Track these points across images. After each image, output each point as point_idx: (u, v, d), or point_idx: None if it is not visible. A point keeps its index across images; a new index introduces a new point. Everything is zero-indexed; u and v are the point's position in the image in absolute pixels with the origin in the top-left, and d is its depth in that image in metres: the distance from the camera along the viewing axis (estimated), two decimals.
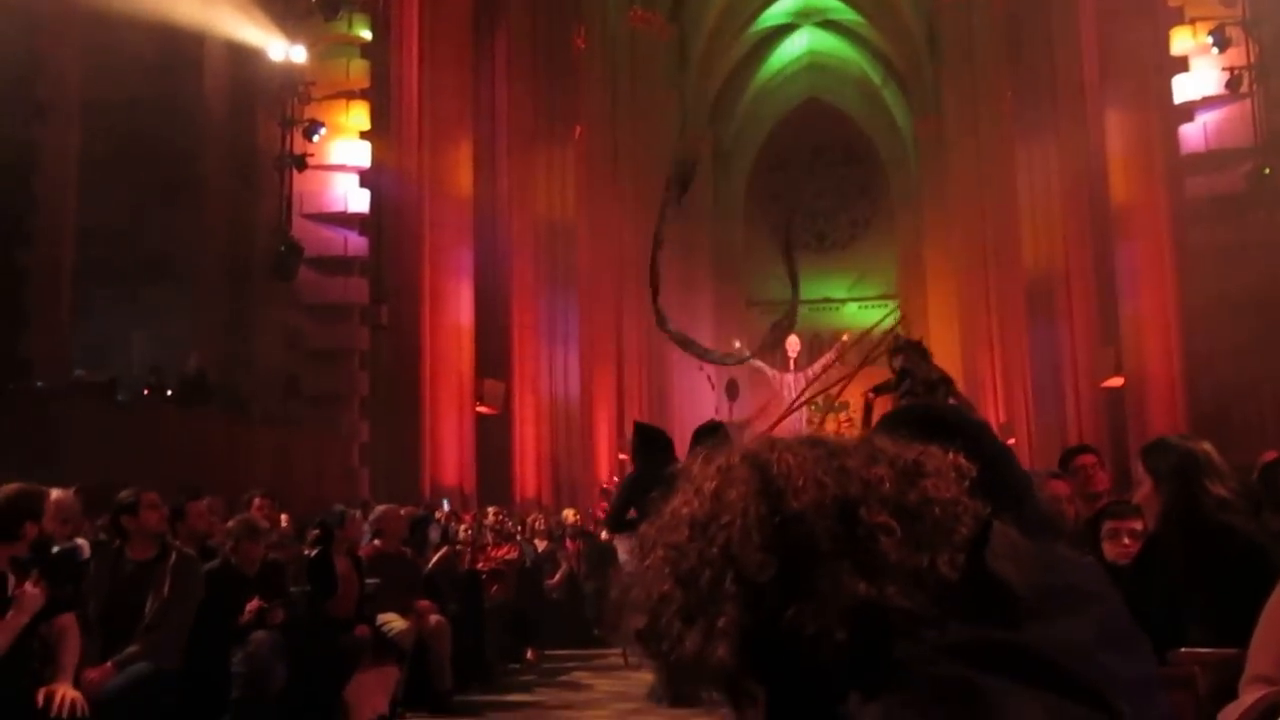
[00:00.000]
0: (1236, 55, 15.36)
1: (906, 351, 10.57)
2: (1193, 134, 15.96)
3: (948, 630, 0.95)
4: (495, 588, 10.28)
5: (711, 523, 1.00)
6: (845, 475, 1.00)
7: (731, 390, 31.14)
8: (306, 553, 8.11)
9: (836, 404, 37.50)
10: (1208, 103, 15.80)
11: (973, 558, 1.00)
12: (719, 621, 0.97)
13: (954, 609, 0.97)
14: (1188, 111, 16.03)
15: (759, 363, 29.87)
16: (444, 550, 9.70)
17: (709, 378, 29.57)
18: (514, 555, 10.84)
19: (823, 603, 0.95)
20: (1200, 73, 15.82)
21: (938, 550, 0.98)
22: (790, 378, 30.09)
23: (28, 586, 4.51)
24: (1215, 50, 15.29)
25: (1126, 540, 4.05)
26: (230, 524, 6.83)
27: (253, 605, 6.26)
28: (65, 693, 4.51)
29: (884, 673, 0.94)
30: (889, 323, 21.96)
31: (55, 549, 4.70)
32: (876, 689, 0.94)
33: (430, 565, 9.20)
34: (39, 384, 12.01)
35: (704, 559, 0.99)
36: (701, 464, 1.07)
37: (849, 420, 36.90)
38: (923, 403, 1.82)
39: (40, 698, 4.45)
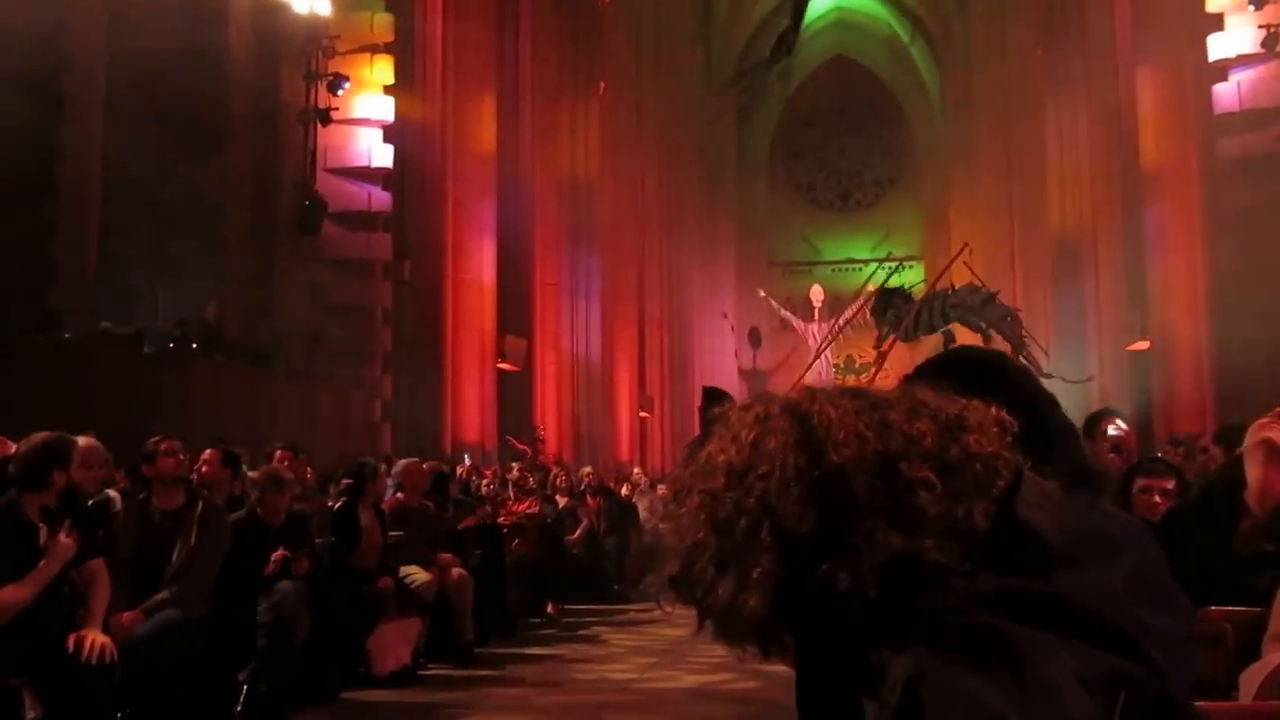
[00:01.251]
0: (1273, 12, 15.05)
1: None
2: (1226, 93, 15.70)
3: (978, 580, 0.95)
4: (516, 542, 10.34)
5: (749, 472, 1.00)
6: (887, 429, 1.00)
7: (755, 338, 31.13)
8: (330, 504, 8.17)
9: (859, 365, 37.53)
10: (1242, 61, 15.53)
11: (1004, 508, 0.99)
12: (753, 572, 0.97)
13: (985, 559, 0.96)
14: (1222, 70, 15.76)
15: (785, 313, 29.82)
16: (479, 511, 9.76)
17: (731, 326, 29.53)
18: (535, 510, 10.89)
19: (857, 557, 0.95)
20: (1235, 30, 15.53)
21: (974, 503, 0.98)
22: (814, 327, 30.04)
23: (61, 537, 4.56)
24: (1251, 7, 15.02)
25: (1158, 498, 4.03)
26: (255, 475, 6.88)
27: (277, 555, 6.31)
28: (95, 638, 4.56)
29: (914, 623, 0.94)
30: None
31: (90, 501, 4.73)
32: (906, 639, 0.94)
33: (461, 525, 9.24)
34: (66, 336, 12.10)
35: (740, 508, 0.99)
36: (739, 412, 1.06)
37: (870, 381, 36.92)
38: (967, 348, 1.80)
39: (70, 643, 4.51)
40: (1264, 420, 3.23)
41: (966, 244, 18.95)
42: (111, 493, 4.88)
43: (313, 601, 6.45)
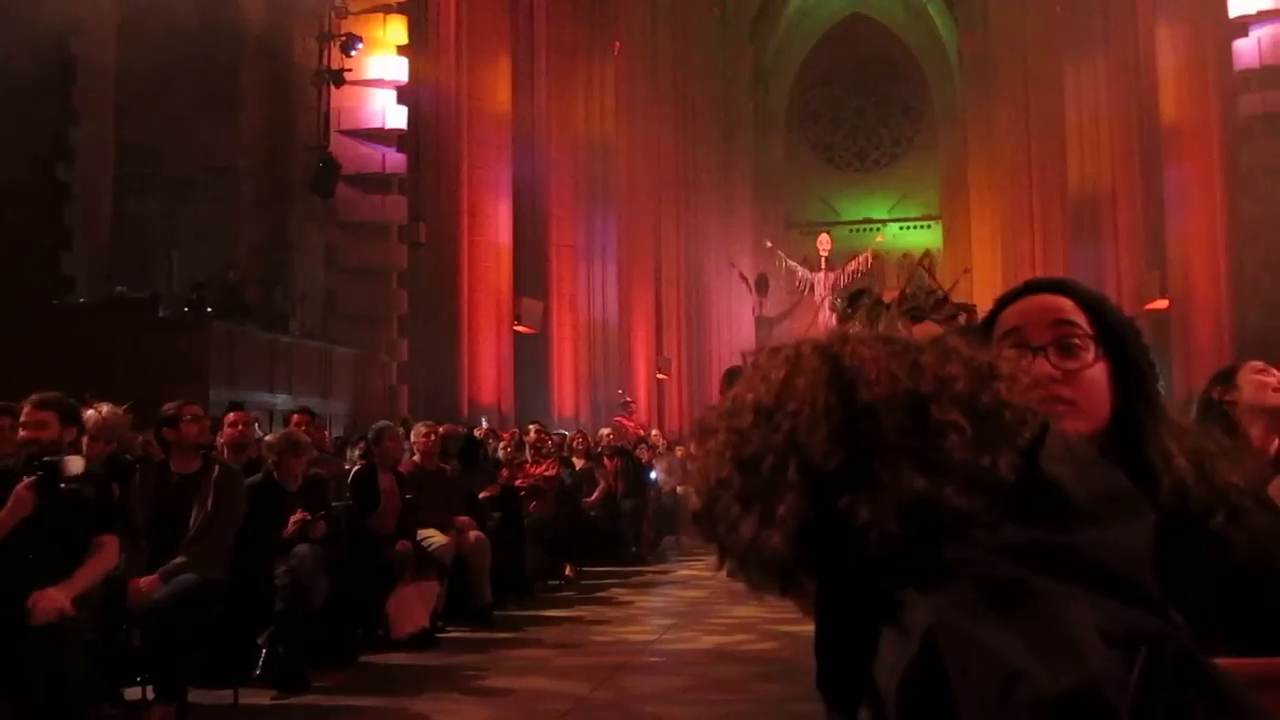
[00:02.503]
0: None
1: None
2: (1247, 49, 15.49)
3: (1002, 532, 0.94)
4: (534, 505, 10.35)
5: (778, 410, 0.99)
6: (919, 371, 0.99)
7: (761, 285, 31.09)
8: (347, 468, 8.19)
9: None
10: (1263, 17, 15.31)
11: (1029, 460, 0.98)
12: (778, 509, 0.96)
13: (1009, 511, 0.95)
14: (1242, 26, 15.55)
15: (792, 262, 29.78)
16: (501, 476, 9.78)
17: (741, 274, 29.47)
18: (553, 473, 10.90)
19: (879, 494, 0.94)
20: None
21: (1001, 452, 0.96)
22: (820, 276, 29.98)
23: (18, 489, 4.54)
24: None
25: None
26: (272, 439, 6.88)
27: (296, 518, 6.33)
28: (47, 599, 4.43)
29: (935, 572, 0.93)
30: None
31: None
32: (927, 588, 0.93)
33: (482, 495, 9.24)
34: (81, 300, 12.11)
35: (767, 445, 0.98)
36: (768, 354, 1.06)
37: None
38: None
39: (31, 600, 4.42)
40: (1261, 376, 3.13)
41: (928, 251, 19.25)
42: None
43: (330, 565, 6.47)
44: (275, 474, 6.59)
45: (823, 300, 29.65)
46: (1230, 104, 15.67)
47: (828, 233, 33.33)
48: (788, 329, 30.17)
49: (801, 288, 30.46)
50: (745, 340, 24.35)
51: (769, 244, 29.83)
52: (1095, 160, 21.90)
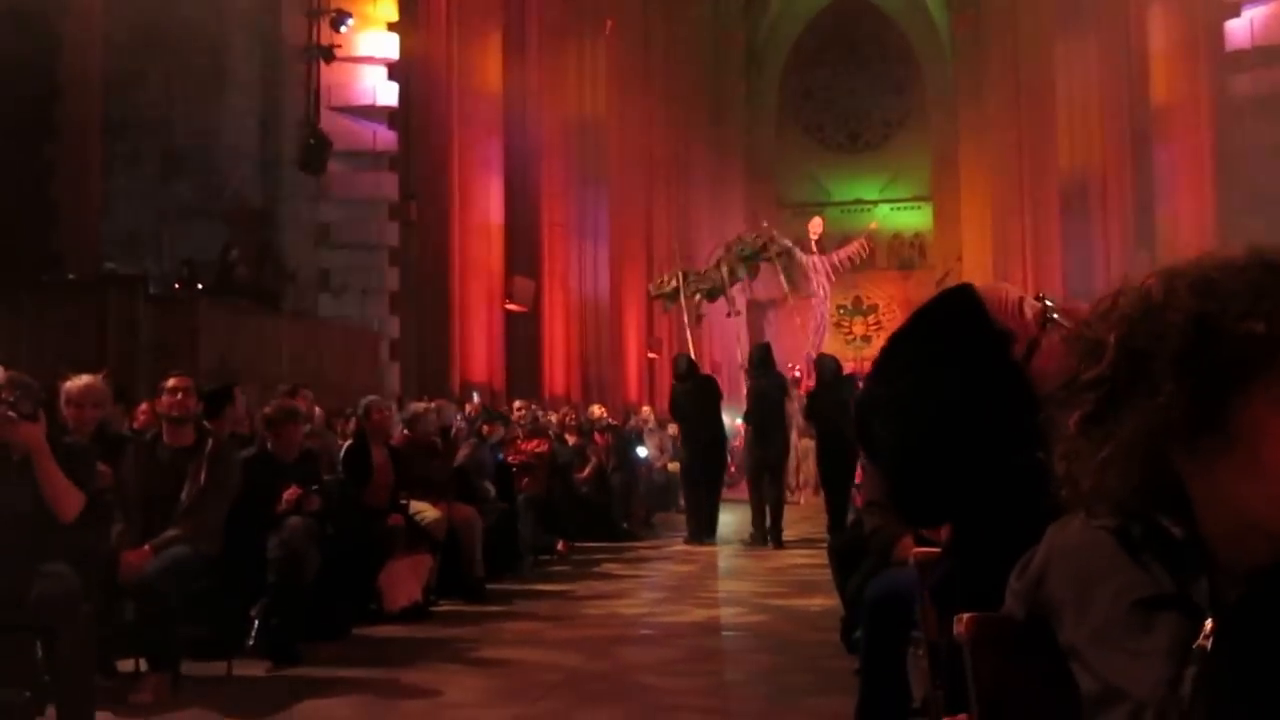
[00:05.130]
0: None
1: None
2: (1239, 29, 15.48)
3: None
4: (526, 480, 10.37)
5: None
6: None
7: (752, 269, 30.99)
8: (339, 443, 8.18)
9: (866, 306, 37.50)
10: None
11: None
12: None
13: None
14: (1234, 6, 15.53)
15: (785, 242, 29.76)
16: (469, 444, 9.77)
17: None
18: (544, 449, 10.91)
19: None
20: None
21: None
22: (814, 259, 29.95)
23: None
24: None
25: None
26: (268, 410, 6.86)
27: (290, 494, 6.32)
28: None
29: None
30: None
31: None
32: None
33: (458, 460, 9.25)
34: (70, 277, 12.05)
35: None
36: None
37: (877, 323, 36.97)
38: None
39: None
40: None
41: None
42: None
43: (322, 538, 6.47)
44: (270, 446, 6.59)
45: (815, 284, 29.63)
46: (1221, 85, 15.67)
47: (820, 215, 33.30)
48: (777, 313, 30.19)
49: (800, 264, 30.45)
50: (735, 322, 24.29)
51: (765, 224, 29.82)
52: (1086, 141, 21.91)
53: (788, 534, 11.41)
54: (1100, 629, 1.11)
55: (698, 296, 20.70)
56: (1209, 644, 1.00)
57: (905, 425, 1.87)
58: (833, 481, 10.74)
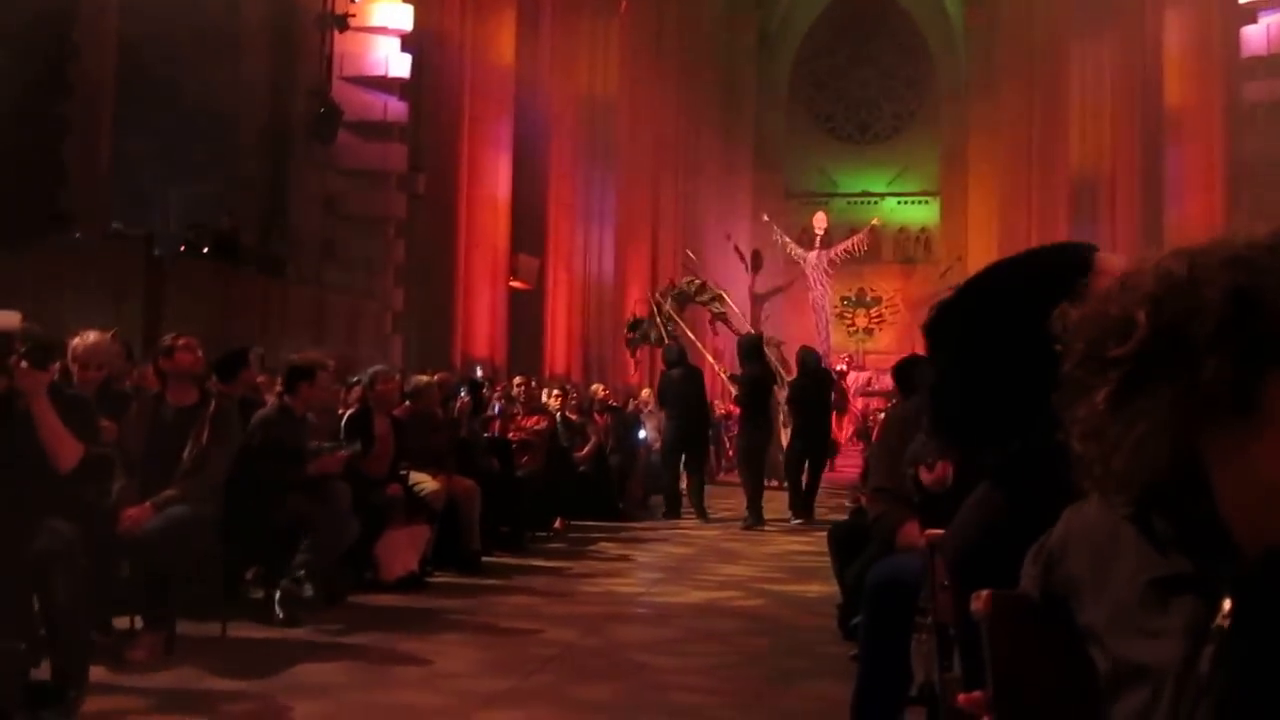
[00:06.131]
0: None
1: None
2: (1255, 36, 15.48)
3: None
4: (525, 458, 10.37)
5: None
6: None
7: (756, 261, 31.12)
8: (340, 411, 8.16)
9: (869, 298, 37.44)
10: (1273, 4, 15.29)
11: None
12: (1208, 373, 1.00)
13: None
14: (1251, 12, 15.53)
15: (786, 238, 29.80)
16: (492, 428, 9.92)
17: (736, 246, 29.48)
18: (544, 425, 10.92)
19: None
20: None
21: None
22: (814, 255, 29.96)
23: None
24: None
25: None
26: (299, 359, 6.89)
27: (336, 459, 6.60)
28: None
29: None
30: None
31: None
32: None
33: (464, 432, 9.27)
34: (77, 235, 12.04)
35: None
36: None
37: (879, 315, 36.94)
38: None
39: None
40: None
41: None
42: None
43: (322, 505, 6.49)
44: (289, 401, 6.65)
45: (816, 278, 29.68)
46: (1235, 90, 15.65)
47: (824, 209, 33.29)
48: (780, 305, 30.19)
49: (799, 265, 30.53)
50: (739, 304, 24.28)
51: (765, 218, 29.79)
52: (1097, 141, 21.88)
53: (769, 514, 12.00)
54: (1117, 609, 1.11)
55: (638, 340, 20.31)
56: (1227, 624, 1.00)
57: (968, 345, 1.92)
58: (812, 464, 12.22)
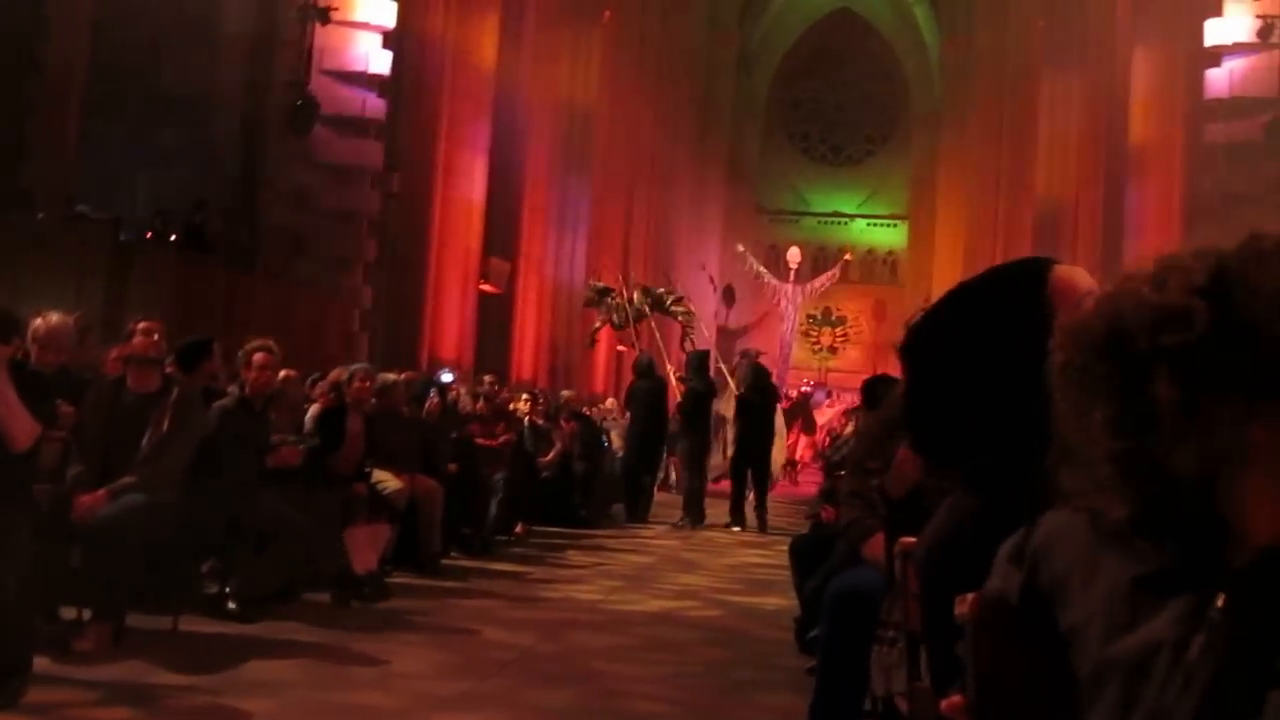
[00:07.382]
0: (1272, 3, 15.15)
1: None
2: (1218, 79, 15.75)
3: None
4: (491, 468, 10.31)
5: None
6: None
7: (728, 296, 31.27)
8: (305, 407, 8.08)
9: (835, 317, 37.66)
10: (1237, 49, 15.57)
11: None
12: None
13: None
14: (1216, 56, 15.80)
15: (762, 268, 29.95)
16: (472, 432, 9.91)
17: (711, 278, 29.54)
18: (510, 439, 10.97)
19: None
20: (1233, 18, 15.60)
21: None
22: (789, 288, 30.15)
23: None
24: None
25: None
26: (251, 347, 6.78)
27: (292, 452, 6.48)
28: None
29: None
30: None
31: None
32: None
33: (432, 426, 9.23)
34: (39, 215, 11.85)
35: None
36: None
37: (844, 334, 37.18)
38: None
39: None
40: None
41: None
42: None
43: (285, 500, 6.43)
44: (248, 390, 6.55)
45: (788, 313, 29.88)
46: (1197, 131, 15.90)
47: (795, 230, 33.54)
48: (751, 339, 30.28)
49: (773, 298, 30.69)
50: (705, 335, 24.30)
51: (740, 248, 29.90)
52: (1063, 174, 22.15)
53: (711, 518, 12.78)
54: (1102, 605, 1.11)
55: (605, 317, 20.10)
56: (1219, 616, 1.00)
57: (939, 361, 1.94)
58: (756, 474, 12.97)
